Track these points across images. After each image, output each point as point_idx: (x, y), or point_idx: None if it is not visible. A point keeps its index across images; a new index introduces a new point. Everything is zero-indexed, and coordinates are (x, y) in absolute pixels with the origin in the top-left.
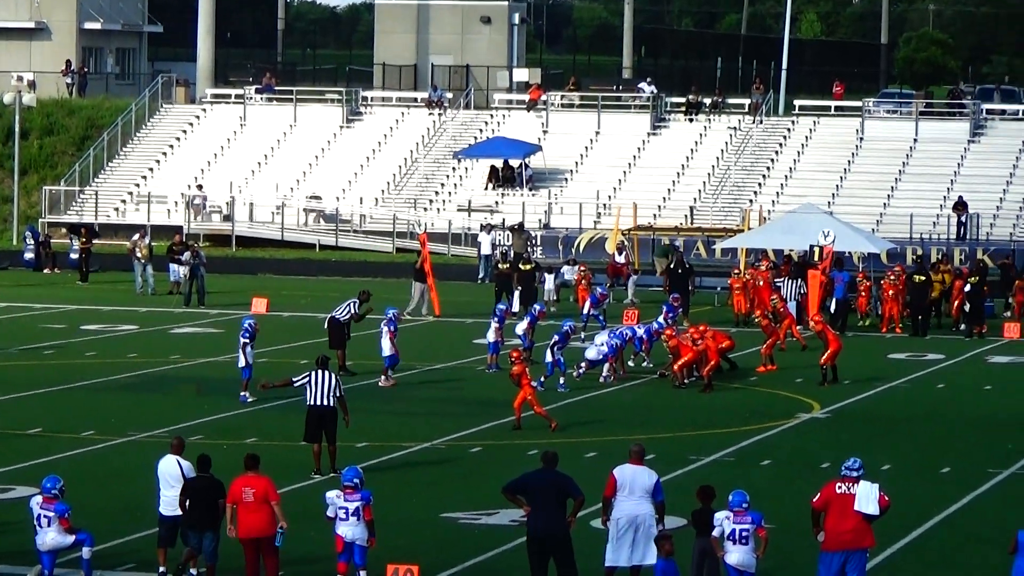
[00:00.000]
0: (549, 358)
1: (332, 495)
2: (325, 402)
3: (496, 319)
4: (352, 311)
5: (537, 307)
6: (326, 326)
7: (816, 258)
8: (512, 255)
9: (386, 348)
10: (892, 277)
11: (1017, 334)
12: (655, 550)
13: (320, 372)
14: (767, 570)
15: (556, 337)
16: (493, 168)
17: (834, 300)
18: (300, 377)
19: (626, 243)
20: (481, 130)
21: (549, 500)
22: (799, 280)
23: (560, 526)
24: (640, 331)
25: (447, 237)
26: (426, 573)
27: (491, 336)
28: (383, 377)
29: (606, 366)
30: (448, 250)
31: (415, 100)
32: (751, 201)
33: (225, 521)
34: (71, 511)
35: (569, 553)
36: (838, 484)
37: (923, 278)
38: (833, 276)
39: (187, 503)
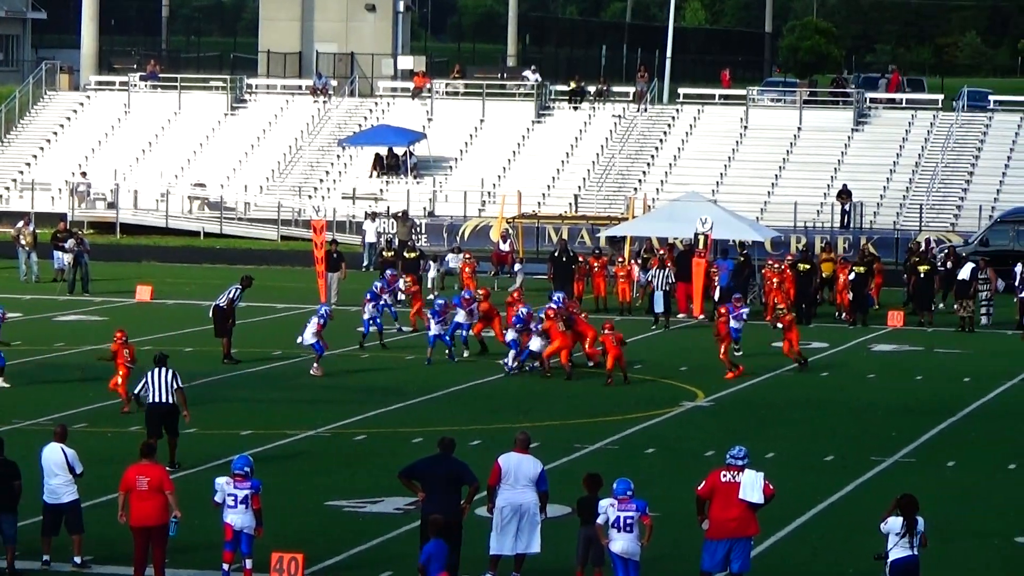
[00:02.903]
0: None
1: (221, 481)
2: (164, 399)
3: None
4: (232, 296)
5: (465, 294)
6: (211, 314)
7: (700, 246)
8: (397, 243)
9: (308, 336)
10: (776, 266)
11: (900, 323)
12: (539, 538)
13: (157, 370)
14: (651, 558)
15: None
16: (378, 156)
17: (718, 288)
18: (139, 386)
19: (511, 231)
20: (366, 118)
21: (444, 486)
22: (666, 270)
23: (453, 512)
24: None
25: (332, 225)
26: (311, 561)
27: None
28: (315, 365)
29: (511, 355)
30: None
31: (300, 88)
32: (635, 189)
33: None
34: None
35: (457, 539)
36: (723, 472)
37: (808, 267)
38: (717, 264)
39: None
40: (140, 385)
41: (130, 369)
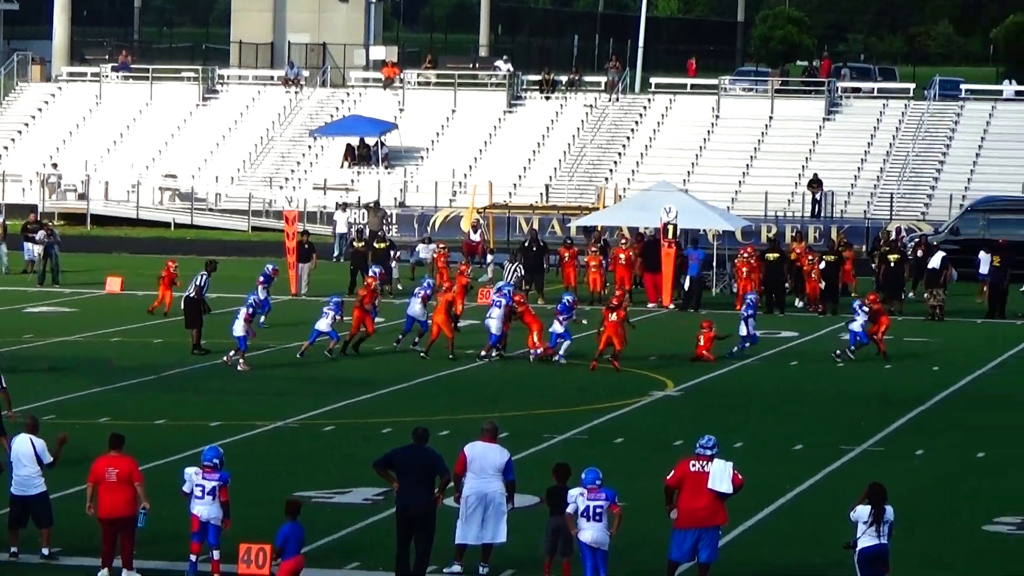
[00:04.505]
0: (743, 330)
1: (190, 471)
2: None
3: (333, 310)
4: (200, 284)
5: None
6: (183, 305)
7: (668, 236)
8: (368, 233)
9: (238, 329)
10: (745, 255)
11: None
12: (505, 528)
13: None
14: (620, 547)
15: (748, 311)
16: (349, 146)
17: (688, 278)
18: None
19: (481, 221)
20: (337, 108)
21: (418, 476)
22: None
23: (426, 503)
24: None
25: (303, 216)
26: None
27: (323, 326)
28: (240, 360)
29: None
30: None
31: (271, 78)
32: (606, 179)
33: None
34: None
35: (431, 529)
36: (692, 462)
37: (777, 256)
38: (688, 254)
39: None
40: None
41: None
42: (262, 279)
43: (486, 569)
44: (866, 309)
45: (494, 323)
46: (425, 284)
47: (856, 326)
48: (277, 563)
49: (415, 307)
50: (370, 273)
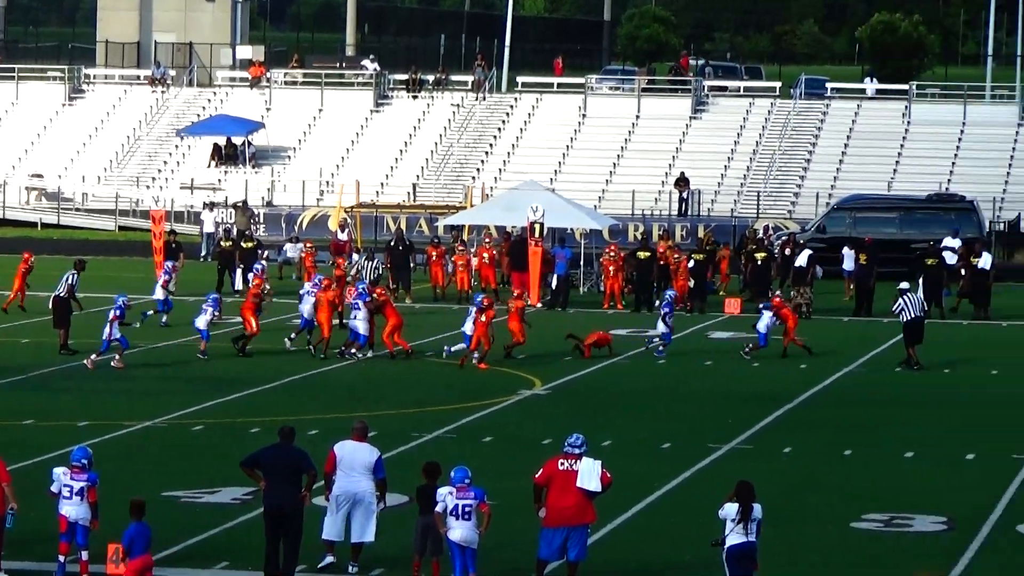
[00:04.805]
0: (662, 328)
1: (59, 471)
2: None
3: (212, 307)
4: (71, 283)
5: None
6: (51, 304)
7: (535, 235)
8: (235, 233)
9: (113, 330)
10: (611, 253)
11: (738, 310)
12: (375, 527)
13: None
14: (489, 546)
15: (666, 308)
16: (216, 146)
17: (555, 276)
18: None
19: (349, 221)
20: (204, 108)
21: (284, 475)
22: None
23: (293, 501)
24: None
25: (171, 215)
26: None
27: (201, 323)
28: (117, 357)
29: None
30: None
31: (138, 78)
32: (473, 178)
33: None
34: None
35: (298, 528)
36: (560, 460)
37: (648, 254)
38: (554, 252)
39: None
40: None
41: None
42: (165, 278)
43: (355, 568)
44: (772, 310)
45: (361, 324)
46: (316, 281)
47: (762, 326)
48: (124, 562)
49: (306, 306)
50: (254, 271)
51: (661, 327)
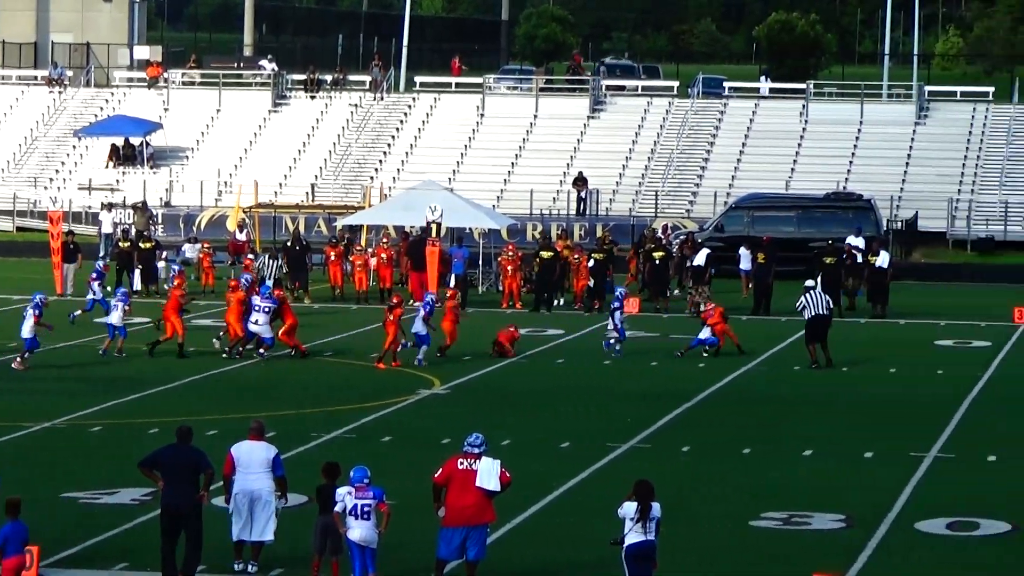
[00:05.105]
0: (611, 326)
1: None
2: None
3: (122, 301)
4: None
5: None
6: None
7: (433, 235)
8: (134, 233)
9: (26, 331)
10: (510, 253)
11: (636, 309)
12: (273, 526)
13: None
14: (389, 545)
15: (616, 304)
16: (114, 146)
17: (453, 276)
18: None
19: (247, 221)
20: (102, 108)
21: (182, 475)
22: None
23: (191, 500)
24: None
25: (68, 216)
26: (46, 554)
27: (115, 319)
28: (18, 359)
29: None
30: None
31: (35, 78)
32: (372, 178)
33: None
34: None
35: (198, 527)
36: (460, 460)
37: (550, 254)
38: (451, 252)
39: None
40: None
41: None
42: (94, 275)
43: (255, 568)
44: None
45: (262, 328)
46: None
47: (704, 333)
48: None
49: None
50: (173, 271)
51: (611, 323)
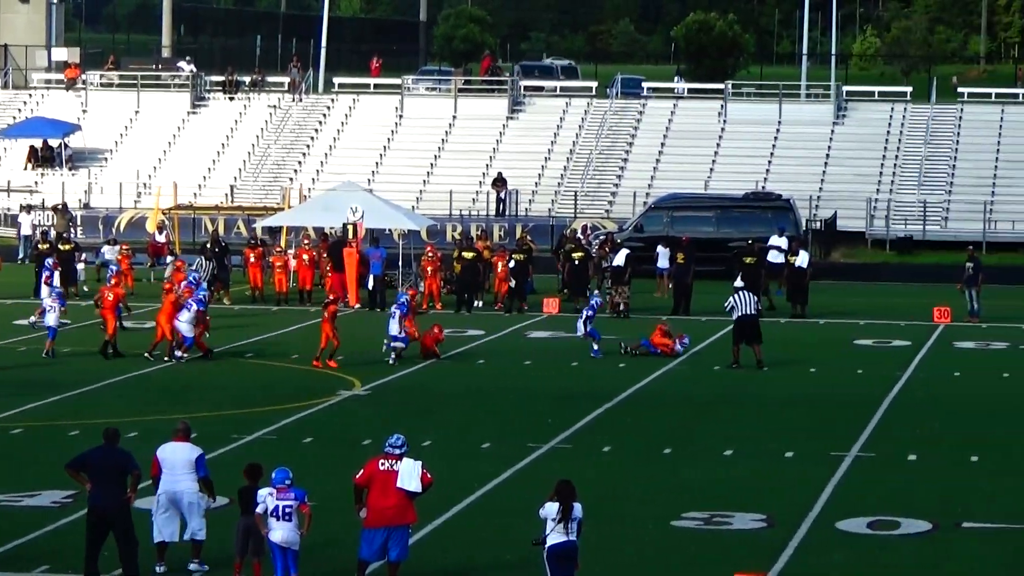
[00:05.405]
0: (582, 332)
1: None
2: None
3: (59, 303)
4: None
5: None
6: None
7: (351, 236)
8: (53, 235)
9: None
10: (430, 254)
11: (556, 309)
12: (202, 523)
13: None
14: (311, 546)
15: (588, 312)
16: (32, 148)
17: (372, 277)
18: None
19: (167, 223)
20: (20, 110)
21: (110, 476)
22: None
23: (119, 502)
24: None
25: None
26: None
27: (51, 320)
28: None
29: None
30: None
31: None
32: (291, 179)
33: None
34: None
35: (128, 527)
36: (381, 461)
37: (473, 255)
38: (368, 253)
39: None
40: None
41: None
42: (47, 273)
43: (196, 565)
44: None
45: (184, 326)
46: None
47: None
48: None
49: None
50: (111, 271)
51: (580, 329)
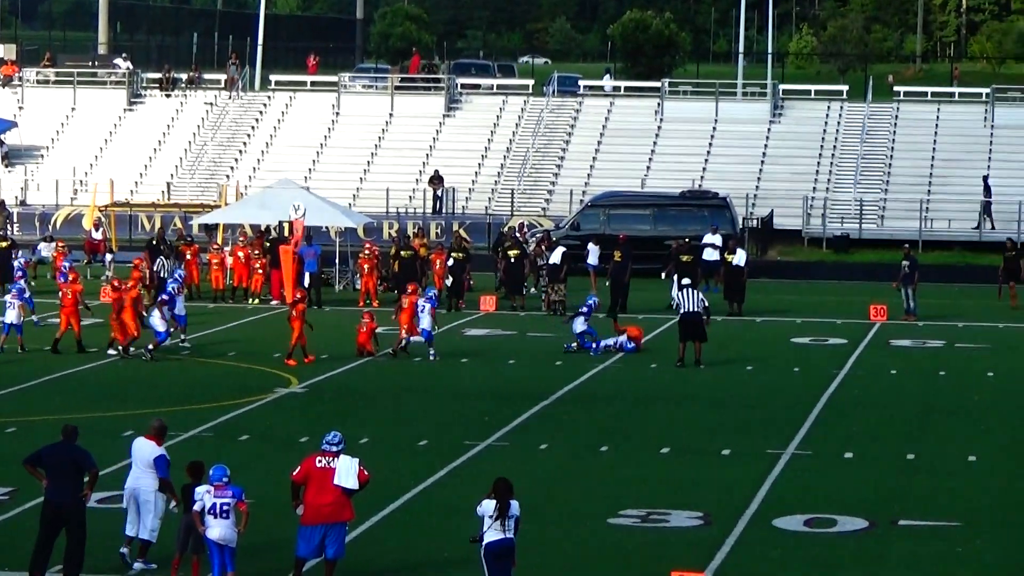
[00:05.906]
0: (578, 328)
1: None
2: None
3: (18, 299)
4: None
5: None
6: None
7: (287, 233)
8: None
9: None
10: (367, 252)
11: (493, 307)
12: (151, 524)
13: None
14: (248, 544)
15: (584, 309)
16: None
17: (308, 274)
18: None
19: (103, 220)
20: None
21: (67, 472)
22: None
23: (75, 498)
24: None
25: None
26: None
27: (12, 317)
28: None
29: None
30: None
31: None
32: (228, 177)
33: None
34: None
35: (82, 524)
36: (318, 458)
37: (410, 252)
38: (302, 252)
39: None
40: None
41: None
42: (20, 273)
43: (140, 564)
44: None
45: (159, 322)
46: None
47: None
48: None
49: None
50: (66, 267)
51: (576, 327)
